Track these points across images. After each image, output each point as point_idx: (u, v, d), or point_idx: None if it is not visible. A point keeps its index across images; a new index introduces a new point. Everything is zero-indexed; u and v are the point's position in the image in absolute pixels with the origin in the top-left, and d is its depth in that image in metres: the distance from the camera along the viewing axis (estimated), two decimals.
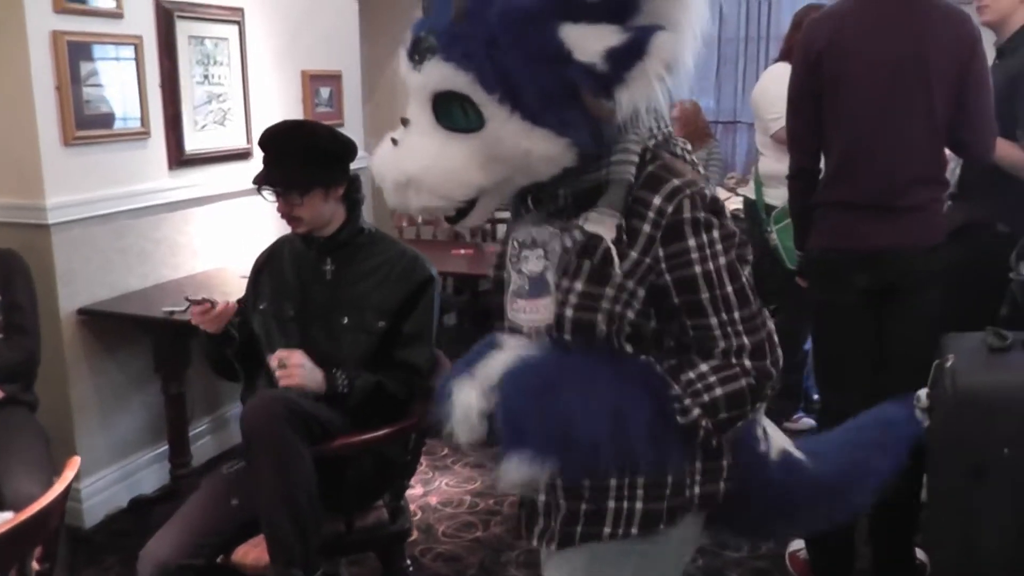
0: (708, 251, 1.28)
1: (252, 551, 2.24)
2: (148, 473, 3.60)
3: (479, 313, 4.93)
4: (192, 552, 2.17)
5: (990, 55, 2.65)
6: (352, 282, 2.41)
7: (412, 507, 3.37)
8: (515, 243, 1.42)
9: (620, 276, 1.28)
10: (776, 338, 1.35)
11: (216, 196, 3.86)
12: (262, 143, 2.41)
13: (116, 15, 3.32)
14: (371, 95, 5.38)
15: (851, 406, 2.66)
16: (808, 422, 3.96)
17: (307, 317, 2.42)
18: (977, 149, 2.59)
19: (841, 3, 2.62)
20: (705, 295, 1.29)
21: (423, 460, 3.60)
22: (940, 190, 2.60)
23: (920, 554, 2.73)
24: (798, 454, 1.59)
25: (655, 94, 1.22)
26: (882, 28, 2.47)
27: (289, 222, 2.41)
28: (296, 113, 4.33)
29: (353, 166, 2.46)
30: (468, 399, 1.37)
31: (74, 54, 3.14)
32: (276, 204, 2.39)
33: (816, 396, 3.75)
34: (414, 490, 3.50)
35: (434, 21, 1.26)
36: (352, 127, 4.67)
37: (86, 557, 3.10)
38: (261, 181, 2.37)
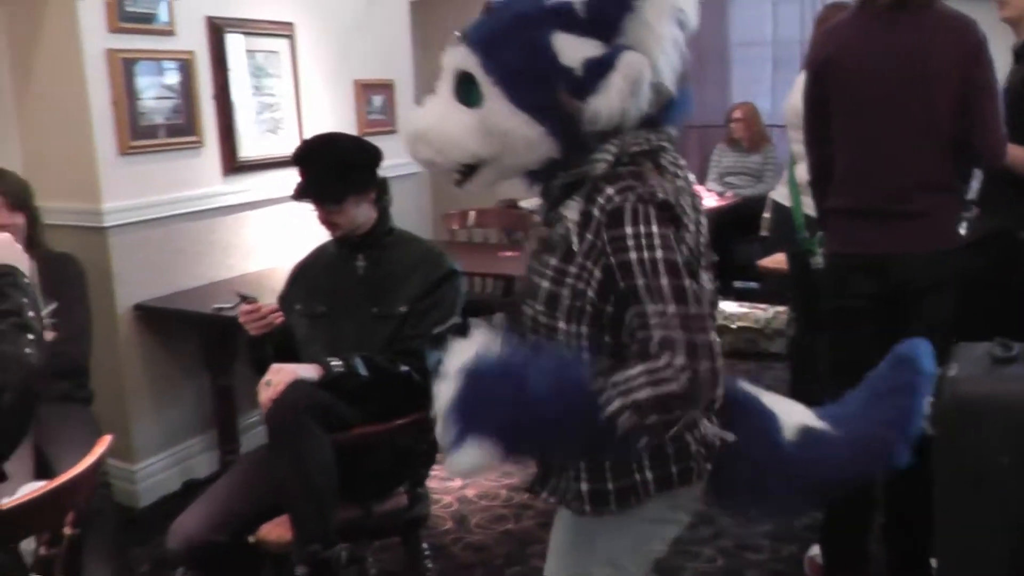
0: (644, 240, 1.38)
1: (275, 529, 2.37)
2: (200, 459, 3.79)
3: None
4: (218, 528, 2.33)
5: (1000, 59, 2.64)
6: (383, 275, 2.58)
7: (449, 499, 3.49)
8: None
9: (580, 255, 1.45)
10: (718, 349, 1.35)
11: (268, 200, 4.02)
12: (295, 160, 2.60)
13: (168, 32, 3.50)
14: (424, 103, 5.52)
15: None
16: None
17: (337, 312, 2.58)
18: (985, 155, 2.56)
19: (845, 13, 2.66)
20: (640, 281, 1.37)
21: None
22: (948, 197, 2.58)
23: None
24: (819, 424, 1.64)
25: (617, 105, 1.40)
26: (884, 37, 2.49)
27: (327, 227, 2.60)
28: (349, 122, 4.49)
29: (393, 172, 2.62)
30: (440, 400, 1.40)
31: (128, 70, 3.33)
32: (316, 212, 2.59)
33: None
34: (453, 482, 3.62)
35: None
36: None
37: (137, 536, 3.25)
38: (298, 194, 2.57)
